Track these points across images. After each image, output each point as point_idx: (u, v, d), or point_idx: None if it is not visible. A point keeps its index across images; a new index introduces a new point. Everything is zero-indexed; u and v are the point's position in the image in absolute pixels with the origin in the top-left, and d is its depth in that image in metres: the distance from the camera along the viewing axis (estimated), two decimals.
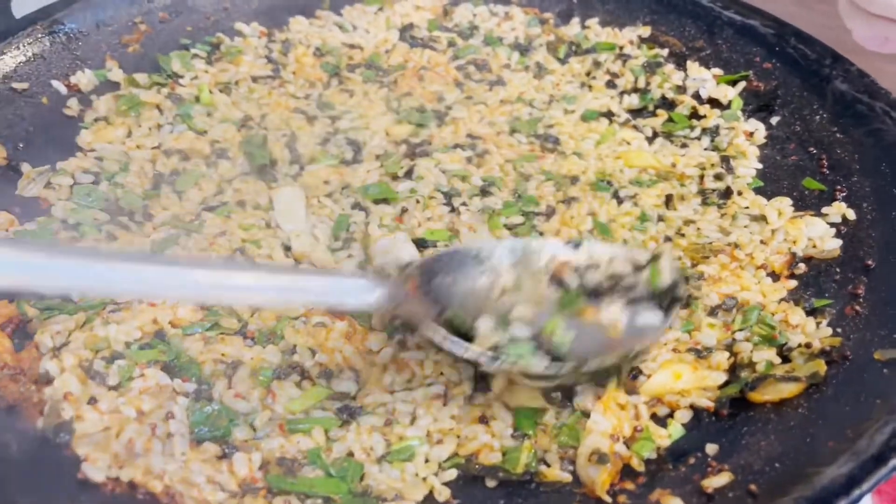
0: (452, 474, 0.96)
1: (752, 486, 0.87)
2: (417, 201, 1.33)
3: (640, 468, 0.95)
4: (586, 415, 1.00)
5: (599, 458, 0.93)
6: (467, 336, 1.00)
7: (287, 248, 1.24)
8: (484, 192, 1.35)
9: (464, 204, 1.33)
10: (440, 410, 1.02)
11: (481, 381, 1.04)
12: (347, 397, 1.04)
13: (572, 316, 1.06)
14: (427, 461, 0.97)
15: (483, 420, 1.01)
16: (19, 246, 0.92)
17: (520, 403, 1.03)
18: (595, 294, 1.09)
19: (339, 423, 1.00)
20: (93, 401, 0.98)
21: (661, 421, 1.01)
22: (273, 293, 0.95)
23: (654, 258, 1.09)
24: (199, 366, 1.04)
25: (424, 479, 0.95)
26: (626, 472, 0.95)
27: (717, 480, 0.90)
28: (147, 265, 0.88)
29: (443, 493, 0.94)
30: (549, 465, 0.97)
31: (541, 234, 1.28)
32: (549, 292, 1.09)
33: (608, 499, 0.91)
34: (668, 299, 1.07)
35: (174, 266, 0.90)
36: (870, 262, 1.17)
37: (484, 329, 1.00)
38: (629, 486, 0.93)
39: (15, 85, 1.42)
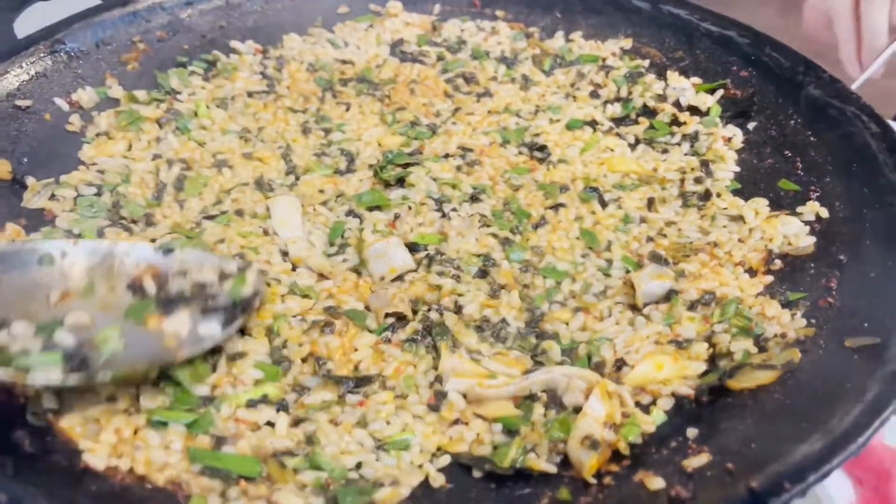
0: (446, 460, 1.00)
1: (730, 465, 0.91)
2: (409, 208, 1.38)
3: (626, 452, 0.99)
4: (576, 411, 1.04)
5: (591, 443, 0.97)
6: None
7: (284, 254, 1.28)
8: (474, 199, 1.40)
9: (454, 210, 1.38)
10: (396, 416, 1.05)
11: (442, 396, 1.07)
12: (305, 391, 1.07)
13: (138, 323, 1.05)
14: (422, 451, 1.01)
15: (458, 422, 1.05)
16: None
17: (492, 413, 1.06)
18: (171, 302, 1.09)
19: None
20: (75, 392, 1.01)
21: (645, 409, 1.06)
22: None
23: (242, 270, 1.15)
24: None
25: (420, 466, 0.99)
26: (612, 455, 0.99)
27: (697, 461, 0.94)
28: None
29: (437, 480, 0.98)
30: (538, 456, 1.01)
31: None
32: (122, 298, 1.08)
33: (594, 481, 0.95)
34: (241, 307, 1.11)
35: None
36: (842, 257, 1.22)
37: (14, 332, 0.98)
38: (614, 468, 0.97)
39: (18, 102, 1.47)
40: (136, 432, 0.98)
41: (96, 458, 0.93)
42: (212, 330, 1.08)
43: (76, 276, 1.07)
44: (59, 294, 1.05)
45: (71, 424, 0.97)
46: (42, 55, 1.54)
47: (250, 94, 1.64)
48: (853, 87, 1.48)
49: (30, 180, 1.37)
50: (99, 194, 1.37)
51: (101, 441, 0.95)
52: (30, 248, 1.08)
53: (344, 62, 1.75)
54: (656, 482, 0.92)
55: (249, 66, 1.71)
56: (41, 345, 0.99)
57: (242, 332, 1.14)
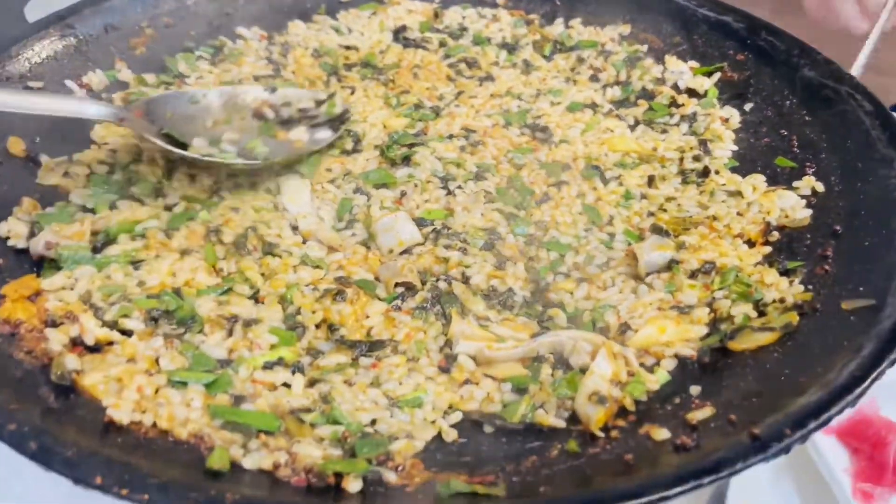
0: (458, 416, 1.04)
1: (732, 417, 0.94)
2: (416, 185, 1.41)
3: (632, 408, 1.03)
4: (583, 371, 1.07)
5: (599, 399, 1.01)
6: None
7: (294, 228, 1.31)
8: (478, 177, 1.43)
9: (459, 187, 1.41)
10: (408, 377, 1.08)
11: (453, 359, 1.11)
12: (319, 354, 1.11)
13: (269, 138, 1.45)
14: (434, 408, 1.04)
15: (469, 382, 1.09)
16: None
17: (501, 374, 1.09)
18: (287, 122, 1.49)
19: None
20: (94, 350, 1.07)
21: (649, 369, 1.09)
22: (29, 106, 1.28)
23: (330, 96, 1.54)
24: (201, 319, 1.12)
25: (433, 422, 1.03)
26: (618, 411, 1.03)
27: (701, 414, 0.98)
28: None
29: (450, 434, 1.01)
30: (546, 412, 1.04)
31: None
32: (252, 123, 1.47)
33: (601, 434, 0.99)
34: (339, 121, 1.51)
35: None
36: (837, 228, 1.26)
37: (197, 143, 1.37)
38: (621, 423, 1.01)
39: (31, 84, 1.49)
40: (157, 391, 1.01)
41: (120, 412, 0.96)
42: (325, 134, 1.49)
43: (215, 109, 1.47)
44: (211, 121, 1.45)
45: (93, 382, 1.00)
46: (53, 39, 1.57)
47: (256, 79, 1.66)
48: (868, 45, 1.50)
49: (43, 158, 1.40)
50: (112, 172, 1.40)
51: (124, 398, 0.98)
52: (181, 93, 1.50)
53: (348, 48, 1.78)
54: (662, 433, 0.96)
55: (255, 51, 1.74)
56: (216, 151, 1.37)
57: (256, 300, 1.17)
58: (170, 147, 1.33)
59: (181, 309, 1.13)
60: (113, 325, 1.10)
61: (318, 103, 1.53)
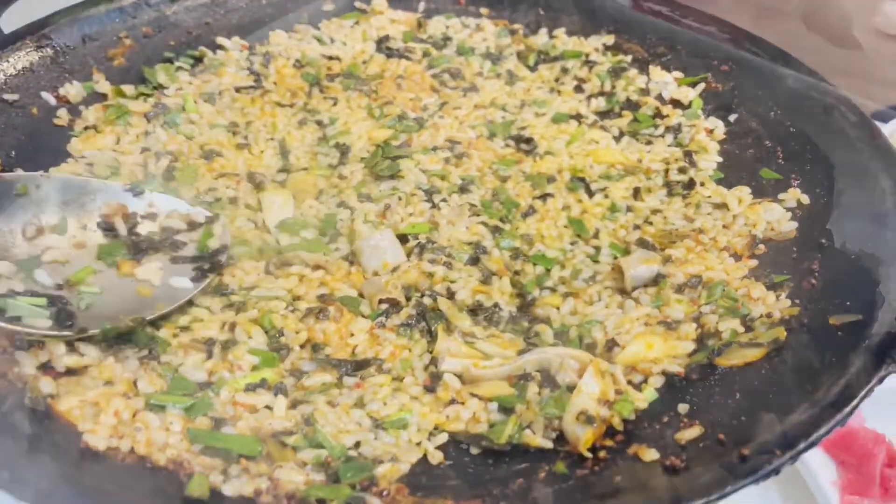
0: (444, 438, 1.02)
1: (721, 436, 0.94)
2: (399, 198, 1.39)
3: (620, 427, 1.01)
4: (570, 389, 1.06)
5: (587, 418, 0.99)
6: None
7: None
8: (463, 190, 1.42)
9: (444, 200, 1.40)
10: (392, 397, 1.06)
11: (438, 378, 1.09)
12: (302, 374, 1.09)
13: (110, 265, 1.08)
14: (419, 430, 1.02)
15: (454, 402, 1.07)
16: None
17: (487, 393, 1.08)
18: (140, 246, 1.12)
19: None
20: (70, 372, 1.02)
21: (636, 387, 1.08)
22: None
23: (210, 220, 1.16)
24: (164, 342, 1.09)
25: (418, 444, 1.01)
26: (606, 431, 1.01)
27: (689, 433, 0.97)
28: None
29: (435, 457, 1.00)
30: (533, 432, 1.03)
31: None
32: (93, 237, 1.10)
33: (589, 455, 0.97)
34: (209, 263, 1.12)
35: None
36: (823, 241, 1.26)
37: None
38: (608, 443, 0.99)
39: (5, 96, 1.46)
40: (134, 415, 0.98)
41: (97, 438, 0.94)
42: (183, 283, 1.09)
43: (48, 208, 1.09)
44: (34, 230, 1.07)
45: (69, 407, 0.97)
46: (28, 50, 1.54)
47: (237, 90, 1.64)
48: None
49: (18, 172, 1.37)
50: None
51: (101, 423, 0.96)
52: (5, 181, 1.11)
53: (330, 58, 1.76)
54: (651, 454, 0.94)
55: (236, 61, 1.72)
56: (23, 285, 1.01)
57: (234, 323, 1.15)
58: None
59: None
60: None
61: (193, 226, 1.18)
